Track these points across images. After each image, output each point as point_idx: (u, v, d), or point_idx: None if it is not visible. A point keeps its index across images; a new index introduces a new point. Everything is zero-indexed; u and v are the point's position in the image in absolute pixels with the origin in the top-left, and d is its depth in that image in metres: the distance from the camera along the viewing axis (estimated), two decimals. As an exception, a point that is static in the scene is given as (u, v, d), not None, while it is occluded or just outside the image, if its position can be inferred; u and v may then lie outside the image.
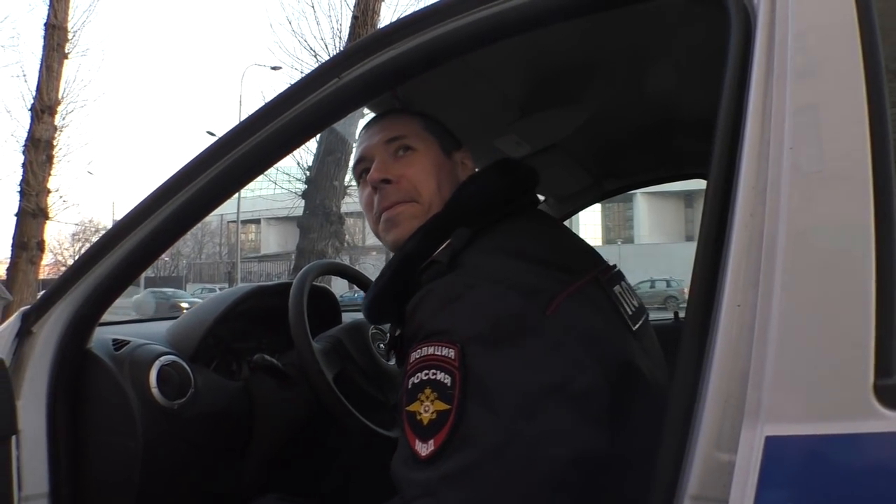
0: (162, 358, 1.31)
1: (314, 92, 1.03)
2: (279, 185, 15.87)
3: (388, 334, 1.22)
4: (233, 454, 1.43)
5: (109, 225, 28.21)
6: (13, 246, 16.75)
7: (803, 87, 0.72)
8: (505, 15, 0.93)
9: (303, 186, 12.59)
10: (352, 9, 11.10)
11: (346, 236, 18.07)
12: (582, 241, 1.18)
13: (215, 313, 1.53)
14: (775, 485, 0.62)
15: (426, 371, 0.88)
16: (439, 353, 0.88)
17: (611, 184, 2.27)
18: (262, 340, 1.63)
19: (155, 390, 1.26)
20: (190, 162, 1.11)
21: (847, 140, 0.69)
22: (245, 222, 38.39)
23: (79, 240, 41.50)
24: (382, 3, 11.10)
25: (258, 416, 1.44)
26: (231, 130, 1.09)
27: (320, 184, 10.43)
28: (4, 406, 1.07)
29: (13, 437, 1.08)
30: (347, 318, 1.72)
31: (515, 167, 1.20)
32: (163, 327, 1.54)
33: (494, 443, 0.84)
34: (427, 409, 0.86)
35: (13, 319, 1.16)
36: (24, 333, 1.15)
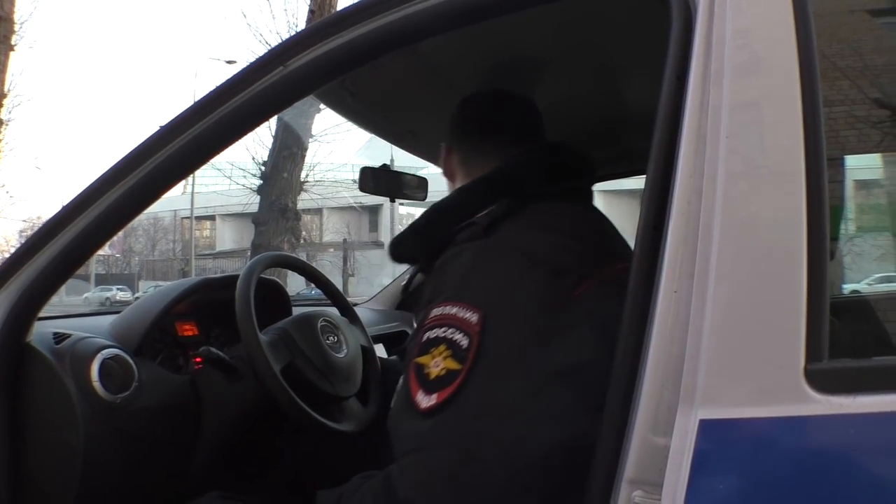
0: (104, 351, 1.28)
1: (260, 80, 1.02)
2: (234, 181, 15.68)
3: (408, 277, 1.21)
4: (179, 449, 1.41)
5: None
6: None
7: (741, 83, 0.74)
8: (452, 4, 0.93)
9: (258, 182, 12.48)
10: (308, 3, 11.03)
11: (303, 233, 17.94)
12: (619, 235, 1.18)
13: (161, 305, 1.51)
14: (709, 467, 0.63)
15: (445, 328, 0.90)
16: (461, 315, 0.90)
17: (610, 167, 2.27)
18: (209, 334, 1.61)
19: (97, 384, 1.24)
20: (133, 150, 1.09)
21: (782, 135, 0.71)
22: (199, 218, 37.85)
23: (26, 236, 40.65)
24: (339, -1, 11.07)
25: (205, 410, 1.42)
26: (175, 118, 1.07)
27: (275, 179, 10.33)
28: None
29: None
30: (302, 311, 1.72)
31: (569, 151, 1.21)
32: (107, 321, 1.52)
33: (495, 413, 0.86)
34: (437, 364, 0.88)
35: None
36: None
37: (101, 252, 28.55)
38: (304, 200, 12.02)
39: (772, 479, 0.64)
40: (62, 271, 1.14)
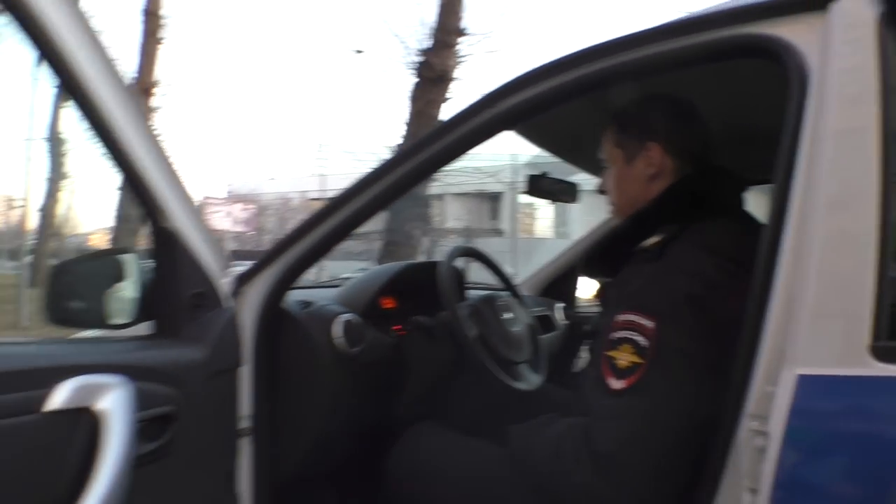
0: (344, 315, 1.66)
1: (474, 118, 1.36)
2: (363, 164, 16.23)
3: (599, 287, 1.57)
4: (389, 395, 1.80)
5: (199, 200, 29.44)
6: (116, 219, 17.77)
7: (841, 131, 1.01)
8: (633, 63, 1.24)
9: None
10: (437, -4, 11.33)
11: (430, 217, 18.46)
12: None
13: (379, 283, 1.91)
14: (800, 405, 0.93)
15: (629, 331, 1.23)
16: (641, 322, 1.22)
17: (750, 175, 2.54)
18: (404, 306, 1.99)
19: (339, 339, 1.62)
20: (373, 169, 1.45)
21: (863, 168, 0.98)
22: (327, 200, 39.23)
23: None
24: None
25: (410, 366, 1.80)
26: (404, 147, 1.44)
27: (407, 167, 10.75)
28: (235, 345, 1.44)
29: (239, 370, 1.45)
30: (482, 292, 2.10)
31: (722, 173, 1.51)
32: (331, 293, 1.92)
33: (667, 395, 1.19)
34: (624, 358, 1.21)
35: (228, 281, 1.52)
36: (236, 292, 1.52)
37: (233, 229, 30.07)
38: (430, 187, 12.40)
39: (840, 414, 0.93)
40: (312, 258, 1.52)
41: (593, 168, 1.81)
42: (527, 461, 1.37)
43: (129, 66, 16.71)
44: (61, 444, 0.99)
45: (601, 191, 1.63)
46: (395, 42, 12.12)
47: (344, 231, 1.50)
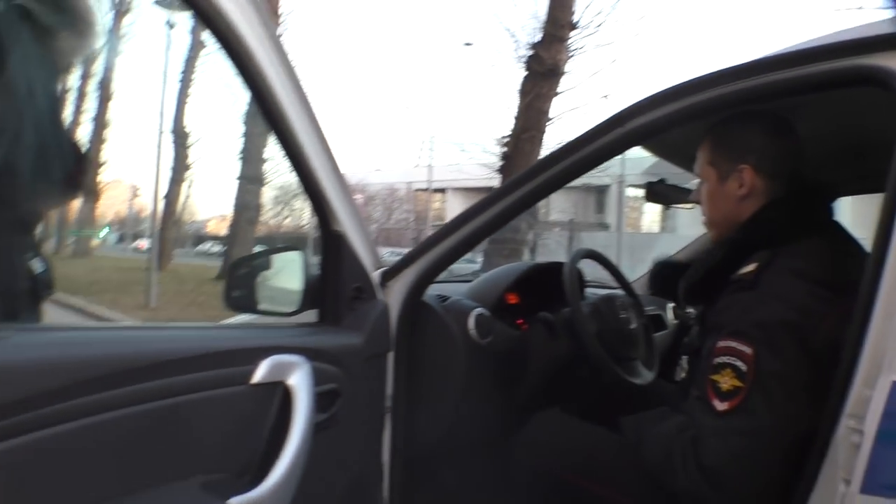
0: (477, 309, 1.84)
1: (604, 136, 1.51)
2: (469, 155, 16.39)
3: (694, 314, 1.68)
4: (512, 383, 1.97)
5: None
6: (235, 208, 18.66)
7: None
8: (755, 89, 1.35)
9: (490, 158, 13.11)
10: (549, -11, 11.35)
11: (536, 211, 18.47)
12: (857, 255, 1.50)
13: (507, 281, 2.09)
14: (893, 407, 1.04)
15: (729, 357, 1.36)
16: (739, 349, 1.35)
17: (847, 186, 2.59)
18: (527, 302, 2.16)
19: (473, 331, 1.80)
20: (511, 180, 1.62)
21: None
22: (433, 191, 39.82)
23: (281, 202, 44.64)
24: (579, -17, 11.31)
25: (532, 357, 1.96)
26: (540, 161, 1.59)
27: (516, 161, 10.84)
28: (386, 333, 1.64)
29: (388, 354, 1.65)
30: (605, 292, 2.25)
31: (812, 190, 1.59)
32: (462, 288, 2.11)
33: (767, 414, 1.31)
34: (726, 381, 1.34)
35: (376, 276, 1.71)
36: (383, 285, 1.71)
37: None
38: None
39: None
40: (452, 257, 1.70)
41: None
42: (638, 451, 1.52)
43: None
44: (264, 411, 1.21)
45: (696, 201, 1.74)
46: (505, 36, 12.11)
47: (478, 237, 1.68)
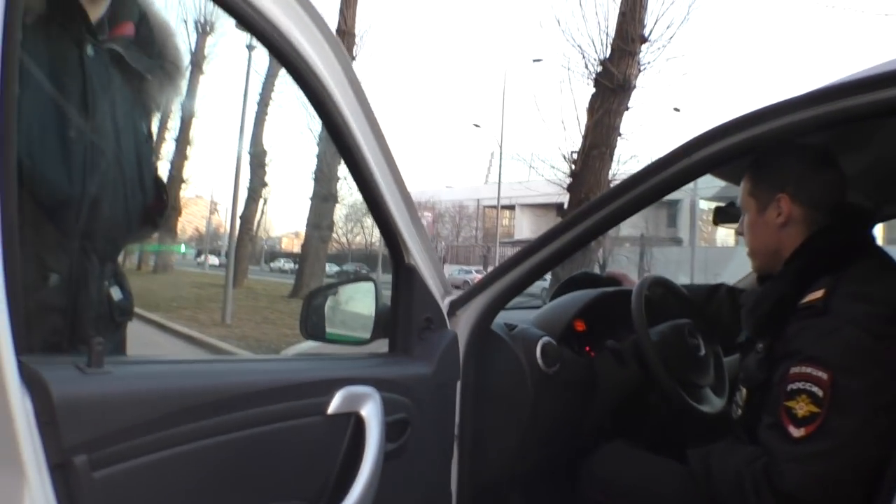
0: (543, 338, 1.86)
1: (671, 166, 1.51)
2: (537, 171, 16.39)
3: (759, 344, 1.67)
4: (581, 411, 1.97)
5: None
6: (308, 225, 19.04)
7: None
8: (824, 116, 1.35)
9: (560, 175, 13.07)
10: (619, 5, 11.29)
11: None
12: None
13: (574, 309, 2.10)
14: None
15: (804, 382, 1.36)
16: (815, 374, 1.35)
17: (889, 209, 2.54)
18: (594, 329, 2.16)
19: (540, 360, 1.82)
20: (580, 210, 1.64)
21: None
22: (501, 207, 39.90)
23: (352, 220, 45.36)
24: (649, -2, 11.23)
25: (600, 384, 1.97)
26: (608, 191, 1.61)
27: (585, 178, 10.77)
28: (455, 362, 1.67)
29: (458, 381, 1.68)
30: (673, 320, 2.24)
31: (855, 214, 1.62)
32: (529, 315, 2.13)
33: (845, 440, 1.30)
34: (801, 407, 1.34)
35: (445, 305, 1.74)
36: (451, 314, 1.75)
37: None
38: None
39: None
40: (521, 286, 1.72)
41: None
42: (706, 484, 1.51)
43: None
44: (338, 440, 1.26)
45: (739, 233, 1.76)
46: (575, 51, 12.05)
47: (545, 267, 1.70)
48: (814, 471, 1.31)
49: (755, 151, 1.48)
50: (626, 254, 32.30)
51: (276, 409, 1.17)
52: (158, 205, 1.52)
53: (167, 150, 31.35)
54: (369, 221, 44.85)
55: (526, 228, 45.24)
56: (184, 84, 1.64)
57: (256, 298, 18.28)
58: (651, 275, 2.29)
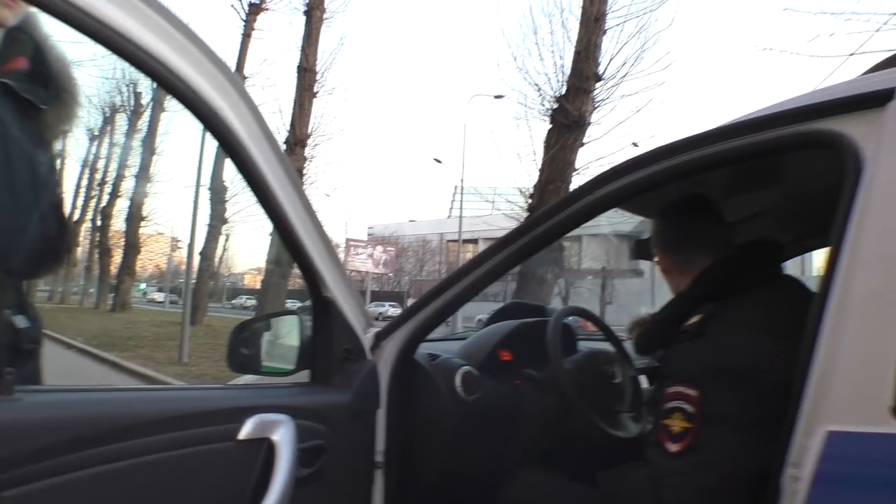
0: (463, 368, 1.94)
1: (576, 203, 1.60)
2: (496, 207, 16.56)
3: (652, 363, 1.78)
4: (503, 439, 2.05)
5: (342, 241, 30.80)
6: (267, 261, 18.94)
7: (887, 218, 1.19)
8: (713, 156, 1.44)
9: (519, 206, 13.27)
10: (574, 44, 11.60)
11: (564, 261, 18.51)
12: (805, 301, 1.56)
13: (494, 340, 2.18)
14: (828, 458, 1.11)
15: (678, 401, 1.45)
16: (686, 392, 1.44)
17: (810, 241, 2.67)
18: (519, 359, 2.24)
19: (460, 388, 1.89)
20: (489, 248, 1.73)
21: None
22: (464, 241, 40.05)
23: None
24: (604, 37, 11.55)
25: (522, 413, 2.04)
26: (518, 228, 1.70)
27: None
28: (375, 391, 1.74)
29: (377, 411, 1.75)
30: (582, 346, 2.33)
31: (758, 247, 1.72)
32: (455, 345, 2.21)
33: (716, 455, 1.39)
34: (676, 424, 1.44)
35: (369, 337, 1.82)
36: (375, 347, 1.82)
37: (375, 271, 30.99)
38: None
39: (861, 463, 1.10)
40: (441, 317, 1.80)
41: None
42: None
43: (284, 121, 17.96)
44: (250, 465, 1.32)
45: (664, 271, 1.90)
46: (531, 89, 12.34)
47: (462, 300, 1.78)
48: (690, 483, 1.40)
49: (653, 189, 1.58)
50: (587, 286, 32.61)
51: (186, 435, 1.23)
52: (60, 237, 1.55)
53: (126, 186, 31.26)
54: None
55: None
56: (81, 113, 1.67)
57: (216, 336, 18.07)
58: (571, 305, 2.38)
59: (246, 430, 1.32)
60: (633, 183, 1.55)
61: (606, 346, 2.26)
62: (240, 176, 1.42)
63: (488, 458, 2.02)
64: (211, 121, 1.33)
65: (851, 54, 5.62)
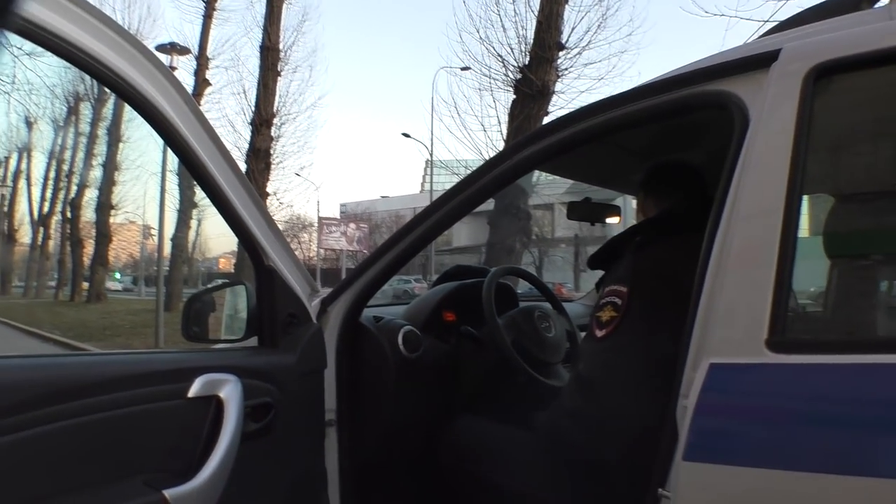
0: (405, 327, 2.07)
1: (497, 166, 1.72)
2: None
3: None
4: (444, 392, 2.18)
5: (315, 220, 30.71)
6: (238, 244, 18.85)
7: (761, 170, 1.31)
8: (619, 119, 1.56)
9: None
10: (536, 14, 11.63)
11: (535, 229, 18.62)
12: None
13: (435, 300, 2.31)
14: (709, 388, 1.24)
15: (611, 297, 1.68)
16: (618, 289, 1.68)
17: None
18: (463, 318, 2.37)
19: (402, 347, 2.02)
20: (421, 213, 1.85)
21: (775, 192, 1.28)
22: (438, 216, 39.77)
23: (288, 235, 44.90)
24: (566, 6, 11.59)
25: (461, 368, 2.18)
26: (447, 192, 1.81)
27: (509, 183, 10.98)
28: (321, 352, 1.86)
29: (324, 371, 1.87)
30: (523, 304, 2.47)
31: (691, 204, 1.86)
32: (401, 309, 2.34)
33: (632, 338, 1.61)
34: (605, 314, 1.67)
35: (315, 303, 1.93)
36: (321, 313, 1.93)
37: (350, 248, 30.85)
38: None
39: (739, 393, 1.24)
40: (383, 279, 1.91)
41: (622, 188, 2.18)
42: (546, 430, 1.77)
43: (249, 101, 17.84)
44: (200, 421, 1.44)
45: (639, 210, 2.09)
46: (495, 60, 12.38)
47: (402, 261, 1.90)
48: (602, 360, 1.64)
49: (569, 150, 1.69)
50: (561, 254, 32.86)
51: (138, 394, 1.35)
52: None
53: (94, 176, 30.89)
54: (307, 236, 44.60)
55: (464, 236, 45.45)
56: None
57: (193, 321, 18.07)
58: (506, 265, 2.51)
59: (195, 389, 1.44)
60: (550, 145, 1.66)
61: (545, 304, 2.40)
62: (172, 153, 1.52)
63: (431, 410, 2.15)
64: (132, 97, 1.41)
65: (768, 20, 5.77)
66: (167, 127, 1.47)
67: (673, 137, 2.12)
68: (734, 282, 1.27)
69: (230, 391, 1.48)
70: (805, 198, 1.29)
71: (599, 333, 1.67)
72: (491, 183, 1.75)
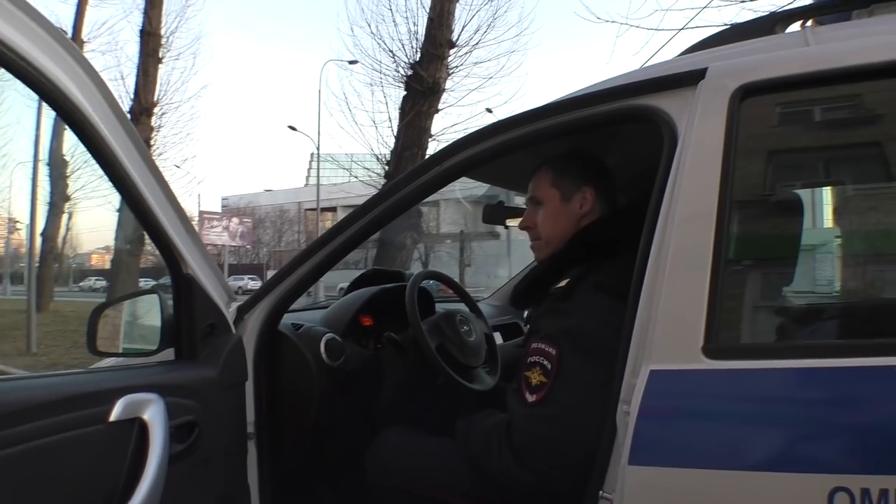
0: (327, 335, 2.00)
1: (427, 172, 1.69)
2: (353, 175, 16.43)
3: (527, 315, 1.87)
4: (368, 399, 2.13)
5: (196, 213, 29.74)
6: (116, 239, 18.00)
7: (692, 181, 1.35)
8: (545, 129, 1.57)
9: (377, 174, 13.31)
10: (427, 11, 11.66)
11: (423, 226, 18.70)
12: None
13: (355, 307, 2.25)
14: (650, 394, 1.26)
15: (538, 356, 1.58)
16: (547, 350, 1.57)
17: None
18: (381, 323, 2.33)
19: (324, 355, 1.95)
20: (346, 217, 1.79)
21: (707, 201, 1.32)
22: (322, 210, 39.57)
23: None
24: (456, 4, 11.68)
25: (385, 374, 2.13)
26: (372, 198, 1.77)
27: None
28: (242, 364, 1.77)
29: (245, 383, 1.79)
30: (440, 307, 2.44)
31: (625, 215, 1.80)
32: (318, 315, 2.26)
33: (565, 408, 1.53)
34: (535, 377, 1.57)
35: (232, 310, 1.84)
36: (238, 321, 1.84)
37: (232, 244, 30.09)
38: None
39: (678, 397, 1.27)
40: (302, 287, 1.84)
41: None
42: (465, 447, 1.72)
43: (128, 89, 17.00)
44: (123, 446, 1.33)
45: (525, 227, 1.94)
46: (386, 55, 12.35)
47: (323, 268, 1.83)
48: (538, 430, 1.54)
49: (498, 157, 1.68)
50: (447, 249, 33.16)
51: (53, 422, 1.22)
52: None
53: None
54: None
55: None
56: None
57: (66, 322, 17.10)
58: (427, 269, 2.49)
59: (116, 412, 1.32)
60: (479, 153, 1.65)
61: (462, 307, 2.39)
62: (86, 151, 1.39)
63: (356, 421, 2.10)
64: (46, 90, 1.29)
65: (680, 29, 6.06)
66: (76, 115, 1.34)
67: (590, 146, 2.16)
68: (670, 290, 1.31)
69: (154, 412, 1.37)
70: (735, 206, 1.35)
71: (530, 398, 1.57)
72: (422, 187, 1.72)
